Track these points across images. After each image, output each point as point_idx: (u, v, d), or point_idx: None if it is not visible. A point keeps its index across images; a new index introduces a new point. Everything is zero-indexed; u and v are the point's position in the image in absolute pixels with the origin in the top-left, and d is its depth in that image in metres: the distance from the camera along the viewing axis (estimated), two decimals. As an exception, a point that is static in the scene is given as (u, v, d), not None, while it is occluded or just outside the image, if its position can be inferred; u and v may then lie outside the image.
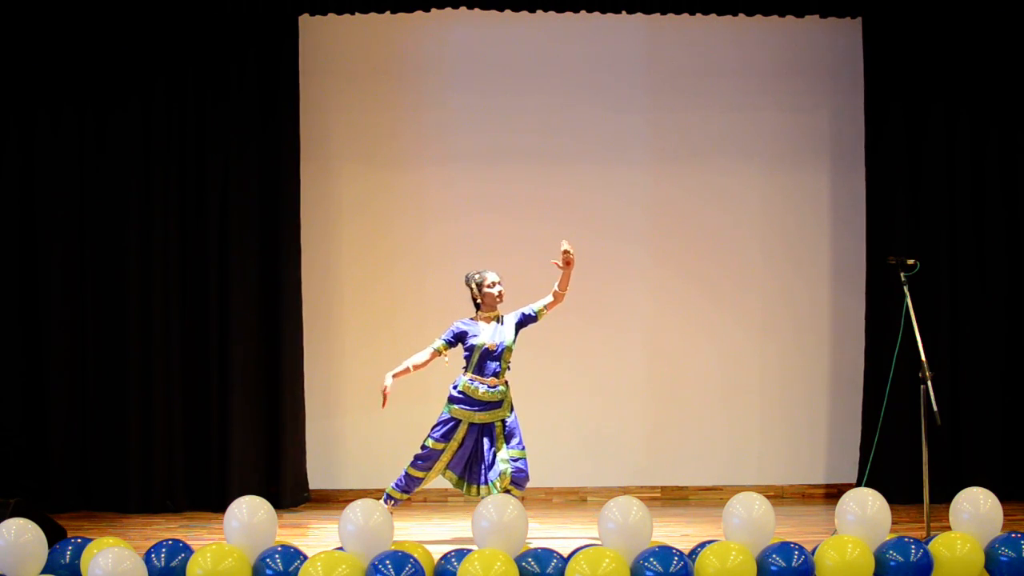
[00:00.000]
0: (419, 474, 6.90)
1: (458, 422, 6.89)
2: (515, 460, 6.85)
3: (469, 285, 7.04)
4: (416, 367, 6.92)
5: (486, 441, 6.90)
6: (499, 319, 7.02)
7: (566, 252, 6.87)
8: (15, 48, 8.17)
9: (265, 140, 8.36)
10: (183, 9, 8.21)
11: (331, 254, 8.79)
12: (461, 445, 6.89)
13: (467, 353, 6.94)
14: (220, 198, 8.27)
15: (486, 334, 6.93)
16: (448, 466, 6.93)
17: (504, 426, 6.90)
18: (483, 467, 6.88)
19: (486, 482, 6.87)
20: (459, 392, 6.91)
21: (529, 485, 8.59)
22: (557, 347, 8.80)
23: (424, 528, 7.48)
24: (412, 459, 6.93)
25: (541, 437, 8.76)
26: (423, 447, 6.91)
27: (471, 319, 7.04)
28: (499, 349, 6.91)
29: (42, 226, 8.20)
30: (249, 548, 5.04)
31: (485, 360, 6.90)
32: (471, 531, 5.12)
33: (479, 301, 7.02)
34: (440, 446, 6.87)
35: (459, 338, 6.97)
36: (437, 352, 6.96)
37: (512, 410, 6.97)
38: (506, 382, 6.94)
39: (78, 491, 8.19)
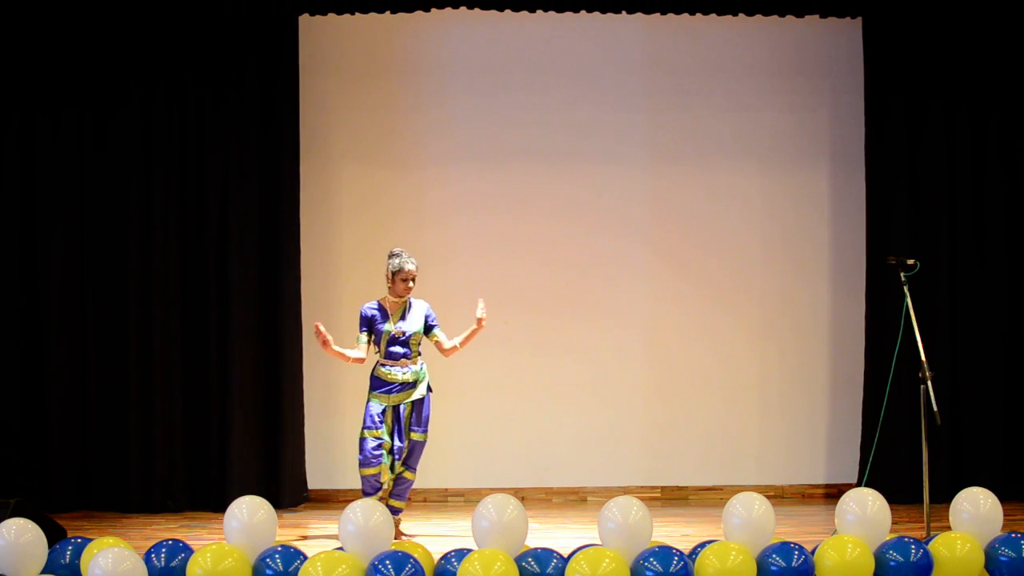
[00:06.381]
0: (371, 471, 6.94)
1: (383, 408, 7.00)
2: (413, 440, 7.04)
3: (388, 265, 7.10)
4: (354, 359, 7.05)
5: (399, 422, 7.02)
6: (408, 304, 7.13)
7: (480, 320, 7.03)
8: (15, 49, 8.16)
9: (265, 140, 8.35)
10: (183, 9, 8.20)
11: (331, 254, 8.78)
12: (391, 430, 7.02)
13: (376, 339, 7.09)
14: (220, 198, 8.27)
15: (392, 320, 7.06)
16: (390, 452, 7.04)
17: (413, 407, 7.03)
18: (398, 445, 7.05)
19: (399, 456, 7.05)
20: (374, 378, 7.06)
21: (529, 485, 8.71)
22: (557, 346, 8.80)
23: (424, 528, 7.48)
24: (359, 464, 6.99)
25: (541, 437, 8.80)
26: (360, 441, 6.98)
27: (379, 302, 7.16)
28: (405, 336, 7.04)
29: (42, 227, 8.20)
30: (249, 548, 5.05)
31: (393, 345, 7.03)
32: (471, 531, 5.12)
33: (390, 285, 7.11)
34: (376, 433, 6.95)
35: (369, 325, 7.09)
36: (367, 345, 7.10)
37: (429, 390, 7.10)
38: (420, 363, 7.08)
39: (78, 491, 8.18)
